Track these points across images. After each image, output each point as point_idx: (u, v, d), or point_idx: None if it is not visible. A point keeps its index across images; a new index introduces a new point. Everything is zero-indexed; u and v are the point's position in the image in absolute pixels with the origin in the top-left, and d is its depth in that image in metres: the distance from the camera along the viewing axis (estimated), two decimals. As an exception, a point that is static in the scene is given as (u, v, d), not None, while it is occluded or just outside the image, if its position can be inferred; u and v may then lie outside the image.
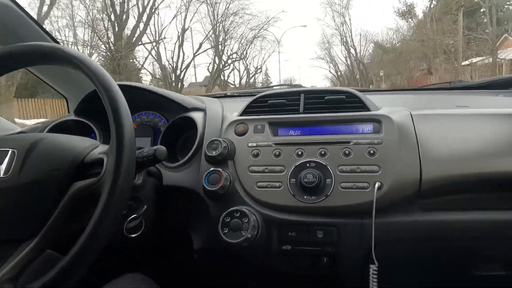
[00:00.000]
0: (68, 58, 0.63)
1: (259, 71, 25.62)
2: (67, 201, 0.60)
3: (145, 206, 0.78)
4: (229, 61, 22.83)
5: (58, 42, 1.14)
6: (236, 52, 23.00)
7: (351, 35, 25.58)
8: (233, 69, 24.42)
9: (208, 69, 20.84)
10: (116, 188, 0.56)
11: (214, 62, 20.81)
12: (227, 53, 22.34)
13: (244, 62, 25.30)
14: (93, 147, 0.67)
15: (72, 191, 0.60)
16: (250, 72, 27.16)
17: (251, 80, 27.73)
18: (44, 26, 1.05)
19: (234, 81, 25.92)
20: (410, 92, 1.34)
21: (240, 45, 22.86)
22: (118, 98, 0.60)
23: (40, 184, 0.60)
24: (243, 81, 26.51)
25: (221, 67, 21.61)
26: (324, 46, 28.34)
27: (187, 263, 1.01)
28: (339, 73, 30.35)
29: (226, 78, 24.11)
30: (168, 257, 1.09)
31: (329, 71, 31.66)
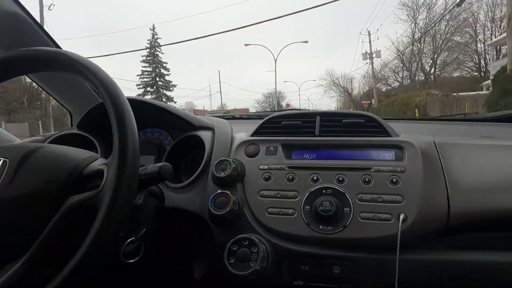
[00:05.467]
0: (73, 65, 0.58)
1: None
2: (61, 216, 0.54)
3: (145, 229, 0.71)
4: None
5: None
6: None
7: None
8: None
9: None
10: (116, 202, 0.50)
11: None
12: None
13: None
14: (93, 159, 0.62)
15: (68, 205, 0.55)
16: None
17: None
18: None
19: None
20: (429, 121, 1.29)
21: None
22: (124, 107, 0.56)
23: (33, 197, 0.54)
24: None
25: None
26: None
27: None
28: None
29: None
30: (165, 287, 1.01)
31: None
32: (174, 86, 37.03)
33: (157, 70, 35.98)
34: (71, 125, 1.29)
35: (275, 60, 25.52)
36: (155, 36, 35.07)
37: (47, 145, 0.62)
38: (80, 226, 0.54)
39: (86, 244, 0.49)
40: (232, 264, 0.65)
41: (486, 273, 0.69)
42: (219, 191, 0.74)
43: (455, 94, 15.32)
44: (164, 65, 36.12)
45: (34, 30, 0.93)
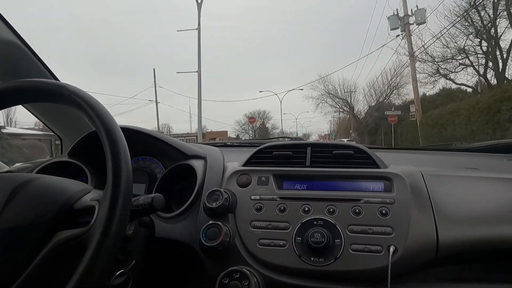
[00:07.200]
0: (72, 98, 0.59)
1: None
2: (48, 252, 0.53)
3: (134, 261, 0.70)
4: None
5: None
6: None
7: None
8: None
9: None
10: (105, 243, 0.49)
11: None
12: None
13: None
14: (84, 192, 0.61)
15: (56, 241, 0.54)
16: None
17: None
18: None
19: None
20: (416, 151, 1.33)
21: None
22: (120, 143, 0.56)
23: (20, 231, 0.53)
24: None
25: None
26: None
27: None
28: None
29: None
30: None
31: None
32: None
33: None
34: (61, 152, 1.28)
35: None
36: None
37: (40, 176, 0.61)
38: (69, 262, 0.52)
39: (72, 284, 0.48)
40: None
41: None
42: (210, 222, 0.74)
43: None
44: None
45: (31, 60, 0.94)
